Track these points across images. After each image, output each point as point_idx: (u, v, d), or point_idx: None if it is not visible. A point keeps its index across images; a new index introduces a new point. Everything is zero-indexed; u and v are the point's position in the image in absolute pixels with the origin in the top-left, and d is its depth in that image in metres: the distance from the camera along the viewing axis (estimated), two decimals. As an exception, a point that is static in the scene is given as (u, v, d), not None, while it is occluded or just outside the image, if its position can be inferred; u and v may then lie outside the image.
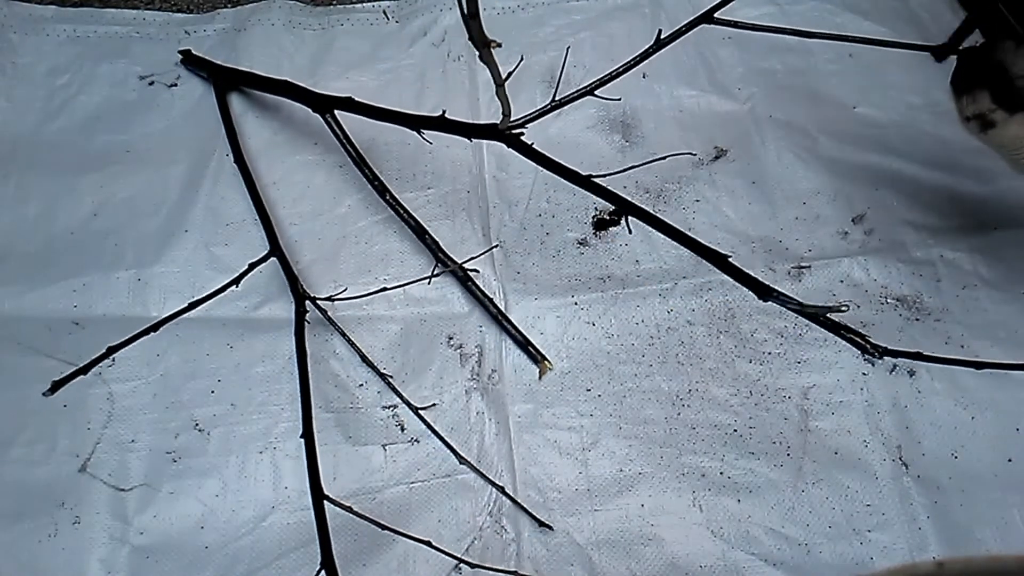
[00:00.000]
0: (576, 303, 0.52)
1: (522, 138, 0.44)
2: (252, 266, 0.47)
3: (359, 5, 0.64)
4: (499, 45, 0.44)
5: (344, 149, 0.54)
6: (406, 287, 0.53)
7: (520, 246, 0.55)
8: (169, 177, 0.56)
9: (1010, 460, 0.46)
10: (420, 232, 0.53)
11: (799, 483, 0.46)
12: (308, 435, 0.42)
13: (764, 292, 0.38)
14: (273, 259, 0.50)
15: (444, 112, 0.44)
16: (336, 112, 0.53)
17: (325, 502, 0.40)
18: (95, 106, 0.59)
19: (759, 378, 0.49)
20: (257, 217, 0.54)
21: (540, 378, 0.49)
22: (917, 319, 0.50)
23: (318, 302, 0.49)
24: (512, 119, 0.41)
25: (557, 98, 0.42)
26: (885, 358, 0.48)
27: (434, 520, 0.46)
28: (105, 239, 0.54)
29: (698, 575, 0.44)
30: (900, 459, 0.46)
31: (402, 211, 0.53)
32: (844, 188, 0.55)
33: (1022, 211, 0.53)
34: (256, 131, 0.59)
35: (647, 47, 0.41)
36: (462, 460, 0.46)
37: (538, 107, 0.44)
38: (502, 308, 0.52)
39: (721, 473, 0.47)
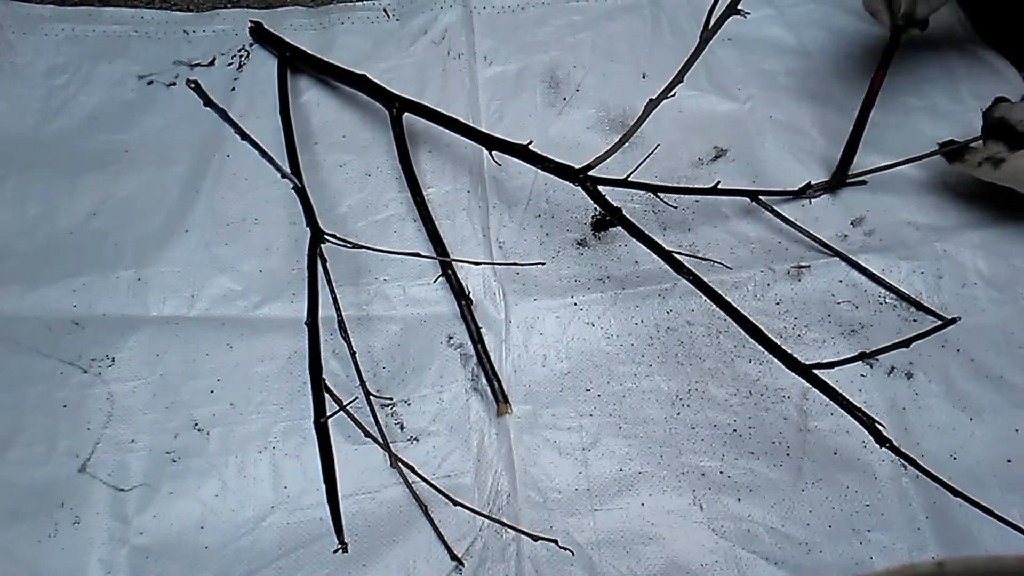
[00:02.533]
0: (575, 304, 0.52)
1: (530, 146, 0.47)
2: (284, 175, 0.49)
3: (359, 3, 0.64)
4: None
5: (397, 149, 0.55)
6: (406, 286, 0.53)
7: (519, 247, 0.55)
8: (169, 177, 0.56)
9: (1009, 461, 0.46)
10: (436, 239, 0.53)
11: (799, 483, 0.46)
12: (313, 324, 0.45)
13: (799, 369, 0.40)
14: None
15: (530, 143, 0.47)
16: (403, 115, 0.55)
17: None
18: (94, 106, 0.59)
19: (758, 378, 0.49)
20: (257, 218, 0.55)
21: (497, 416, 0.49)
22: (915, 320, 0.50)
23: (331, 242, 0.49)
24: (586, 163, 0.45)
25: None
26: (883, 359, 0.49)
27: (435, 519, 0.46)
28: (105, 239, 0.54)
29: (699, 573, 0.44)
30: (899, 459, 0.46)
31: (424, 215, 0.54)
32: (844, 189, 0.55)
33: (1022, 212, 0.53)
34: (253, 133, 0.58)
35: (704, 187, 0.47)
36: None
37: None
38: (502, 309, 0.51)
39: (721, 472, 0.47)
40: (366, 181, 0.57)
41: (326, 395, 0.43)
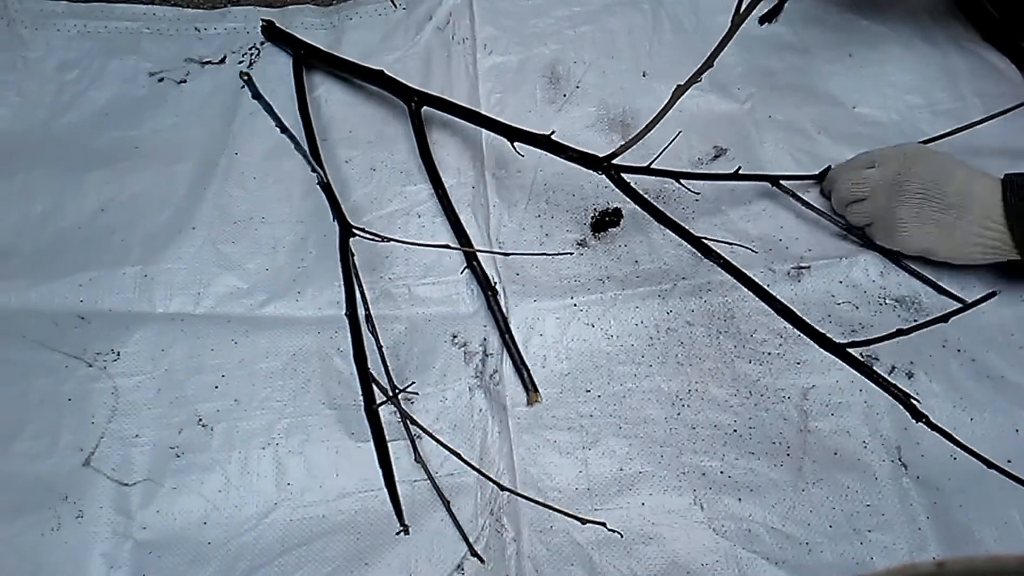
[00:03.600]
0: (575, 304, 0.52)
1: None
2: (313, 169, 0.52)
3: (366, -4, 0.65)
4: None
5: (417, 144, 0.56)
6: (411, 285, 0.53)
7: (519, 247, 0.55)
8: (177, 174, 0.57)
9: (1009, 461, 0.46)
10: (460, 231, 0.54)
11: (799, 483, 0.46)
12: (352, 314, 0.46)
13: (831, 348, 0.41)
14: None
15: (552, 133, 0.48)
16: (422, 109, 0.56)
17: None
18: (104, 102, 0.59)
19: (759, 378, 0.49)
20: (264, 216, 0.55)
21: (529, 405, 0.49)
22: (915, 320, 0.51)
23: (359, 235, 0.49)
24: (611, 152, 0.46)
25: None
26: (883, 360, 0.49)
27: (437, 519, 0.46)
28: (112, 235, 0.54)
29: (699, 573, 0.44)
30: (899, 460, 0.46)
31: (448, 209, 0.54)
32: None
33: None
34: (261, 132, 0.59)
35: (723, 172, 0.48)
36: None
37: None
38: (504, 311, 0.52)
39: (721, 472, 0.47)
40: (371, 176, 0.58)
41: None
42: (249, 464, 0.47)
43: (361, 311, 0.49)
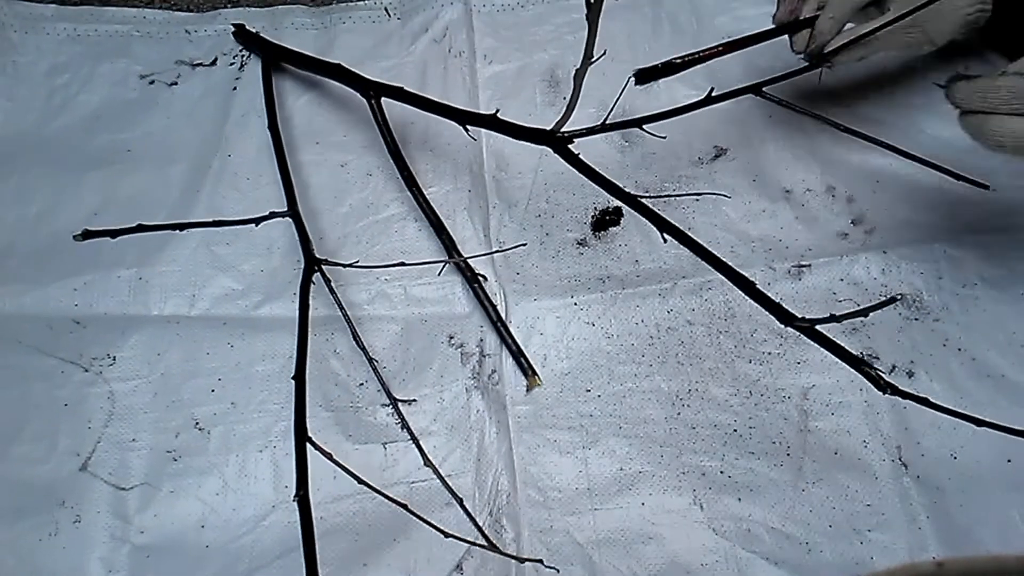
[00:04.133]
0: (575, 304, 0.52)
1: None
2: (272, 215, 0.49)
3: (360, 2, 0.64)
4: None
5: (383, 137, 0.55)
6: (407, 286, 0.53)
7: (520, 246, 0.55)
8: (170, 176, 0.56)
9: (1009, 461, 0.46)
10: (439, 228, 0.53)
11: (799, 482, 0.46)
12: (300, 377, 0.43)
13: (786, 319, 0.39)
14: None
15: (497, 111, 0.45)
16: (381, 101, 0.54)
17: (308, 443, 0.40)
18: (96, 105, 0.59)
19: (759, 378, 0.49)
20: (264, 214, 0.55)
21: (528, 392, 0.49)
22: (916, 319, 0.50)
23: (325, 268, 0.48)
24: (563, 129, 0.42)
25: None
26: (884, 359, 0.49)
27: (435, 520, 0.46)
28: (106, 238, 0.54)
29: (699, 573, 0.44)
30: (900, 459, 0.46)
31: (425, 206, 0.54)
32: (844, 188, 0.55)
33: (1023, 212, 0.53)
34: (259, 132, 0.59)
35: (696, 100, 0.44)
36: (427, 463, 0.47)
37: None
38: (502, 310, 0.51)
39: (721, 472, 0.47)
40: (367, 180, 0.57)
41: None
42: (246, 467, 0.47)
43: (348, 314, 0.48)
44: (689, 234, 0.42)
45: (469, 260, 0.52)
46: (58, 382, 0.49)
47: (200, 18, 0.63)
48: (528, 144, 0.51)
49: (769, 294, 0.53)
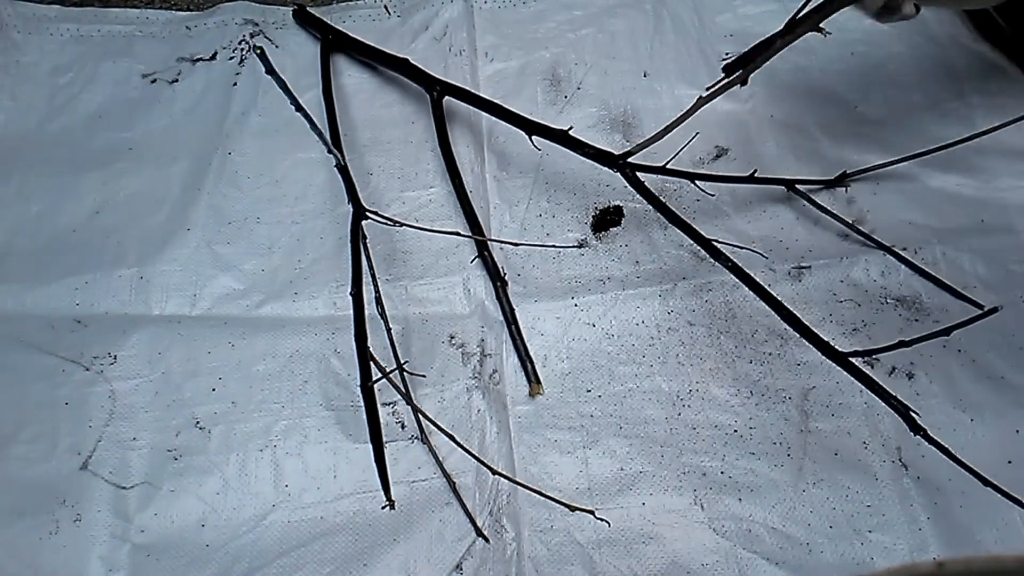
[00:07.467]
0: (576, 304, 0.52)
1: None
2: (336, 160, 0.51)
3: (360, 1, 0.64)
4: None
5: (437, 133, 0.56)
6: (408, 286, 0.53)
7: (520, 247, 0.55)
8: (171, 175, 0.56)
9: (1010, 462, 0.46)
10: (473, 222, 0.54)
11: (800, 483, 0.46)
12: (357, 295, 0.46)
13: (835, 356, 0.41)
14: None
15: (570, 128, 0.48)
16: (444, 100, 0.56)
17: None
18: (98, 104, 0.59)
19: (759, 379, 0.49)
20: (260, 217, 0.55)
21: (531, 397, 0.49)
22: (916, 320, 0.50)
23: (371, 219, 0.49)
24: (625, 151, 0.46)
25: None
26: (884, 360, 0.49)
27: (436, 519, 0.46)
28: (108, 237, 0.54)
29: (699, 573, 0.44)
30: (900, 460, 0.46)
31: (464, 201, 0.54)
32: (845, 189, 0.55)
33: (1023, 212, 0.53)
34: (259, 130, 0.59)
35: (735, 175, 0.48)
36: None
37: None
38: (512, 303, 0.51)
39: (722, 472, 0.47)
40: (368, 180, 0.57)
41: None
42: (247, 466, 0.47)
43: (349, 313, 0.48)
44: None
45: (464, 278, 0.53)
46: (59, 381, 0.49)
47: (201, 16, 0.63)
48: (528, 144, 0.51)
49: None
